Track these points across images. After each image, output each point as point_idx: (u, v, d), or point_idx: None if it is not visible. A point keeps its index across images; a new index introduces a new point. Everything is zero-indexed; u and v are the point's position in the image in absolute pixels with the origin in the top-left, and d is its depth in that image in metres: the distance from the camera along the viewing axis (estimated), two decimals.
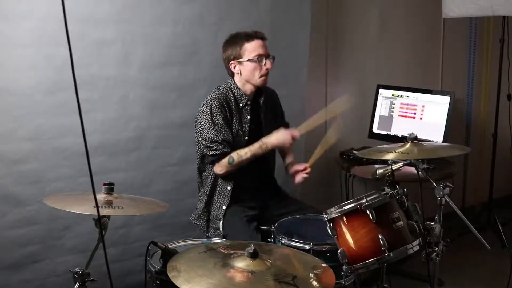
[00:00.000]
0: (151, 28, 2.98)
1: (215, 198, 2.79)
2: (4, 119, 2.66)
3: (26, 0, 2.61)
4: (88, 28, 2.78)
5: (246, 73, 2.73)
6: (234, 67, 2.74)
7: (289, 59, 3.42)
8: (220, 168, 2.71)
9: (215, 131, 2.66)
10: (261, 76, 2.73)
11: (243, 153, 2.68)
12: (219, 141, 2.66)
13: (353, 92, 4.02)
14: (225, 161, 2.68)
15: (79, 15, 2.73)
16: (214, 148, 2.66)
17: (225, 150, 2.67)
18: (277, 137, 2.72)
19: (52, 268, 2.89)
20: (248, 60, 2.70)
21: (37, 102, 2.72)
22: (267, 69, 2.73)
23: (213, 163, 2.72)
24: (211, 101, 2.68)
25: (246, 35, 2.71)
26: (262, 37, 2.73)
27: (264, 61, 2.71)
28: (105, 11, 2.82)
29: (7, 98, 2.65)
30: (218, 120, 2.67)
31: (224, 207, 2.75)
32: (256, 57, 2.70)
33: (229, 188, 2.76)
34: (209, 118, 2.66)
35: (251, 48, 2.70)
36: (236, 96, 2.76)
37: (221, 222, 2.73)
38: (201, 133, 2.70)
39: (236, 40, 2.73)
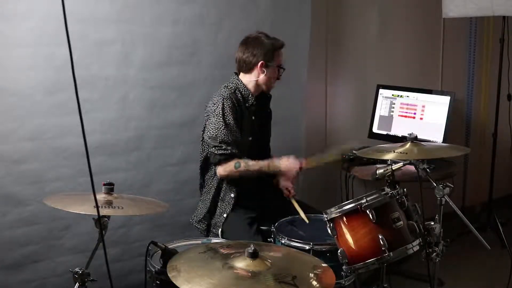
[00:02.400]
0: (151, 28, 2.98)
1: (218, 204, 2.77)
2: (4, 119, 2.66)
3: (26, 0, 2.61)
4: (88, 28, 2.79)
5: (267, 77, 2.75)
6: (261, 67, 2.74)
7: (289, 59, 3.41)
8: (224, 170, 2.67)
9: (226, 131, 2.64)
10: (272, 83, 2.81)
11: (251, 164, 2.66)
12: (229, 141, 2.64)
13: (353, 92, 4.02)
14: (231, 164, 2.65)
15: (79, 15, 2.73)
16: (223, 148, 2.64)
17: (234, 151, 2.65)
18: (287, 164, 2.71)
19: (52, 268, 2.89)
20: (277, 66, 2.77)
21: (37, 102, 2.72)
22: (278, 78, 2.81)
23: (219, 163, 2.68)
24: (223, 100, 2.66)
25: (279, 43, 2.77)
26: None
27: (281, 71, 2.80)
28: (105, 11, 2.82)
29: (7, 98, 2.66)
30: (229, 120, 2.65)
31: (225, 215, 2.73)
32: (280, 65, 2.78)
33: (232, 195, 2.74)
34: (220, 117, 2.64)
35: (280, 57, 2.78)
36: (244, 96, 2.76)
37: (220, 229, 2.72)
38: (210, 132, 2.66)
39: (270, 43, 2.74)
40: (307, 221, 2.65)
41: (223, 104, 2.65)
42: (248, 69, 2.76)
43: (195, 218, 2.84)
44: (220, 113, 2.64)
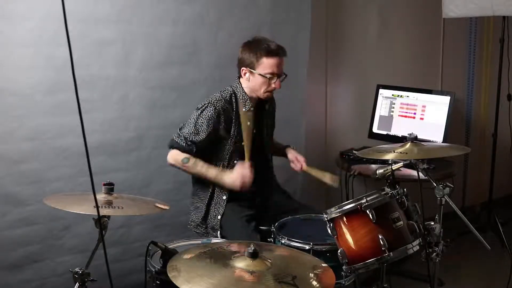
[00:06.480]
0: (151, 28, 2.98)
1: (212, 208, 2.77)
2: (4, 119, 2.66)
3: (26, 0, 2.61)
4: (88, 28, 2.78)
5: (254, 84, 2.72)
6: (245, 73, 2.72)
7: (289, 59, 3.40)
8: (171, 157, 2.70)
9: (193, 129, 2.65)
10: (266, 92, 2.72)
11: (200, 166, 2.66)
12: (189, 139, 2.65)
13: (353, 92, 4.03)
14: (180, 155, 2.66)
15: (79, 15, 2.73)
16: (182, 140, 2.67)
17: (188, 148, 2.66)
18: (230, 178, 2.65)
19: (52, 268, 2.89)
20: (260, 75, 2.67)
21: (37, 102, 2.72)
22: (274, 88, 2.71)
23: (171, 147, 2.71)
24: (208, 104, 2.67)
25: (268, 49, 2.65)
26: (283, 55, 2.69)
27: (274, 79, 2.68)
28: (105, 11, 2.82)
29: (7, 98, 2.65)
30: (202, 122, 2.65)
31: (219, 217, 2.73)
32: (268, 75, 2.67)
33: (224, 197, 2.74)
34: (195, 117, 2.66)
35: (267, 65, 2.66)
36: (240, 101, 2.74)
37: (219, 232, 2.72)
38: (185, 122, 2.70)
39: (256, 49, 2.67)
40: (335, 184, 2.63)
41: (204, 108, 2.66)
42: (239, 74, 2.76)
43: (192, 223, 2.83)
44: (197, 114, 2.67)
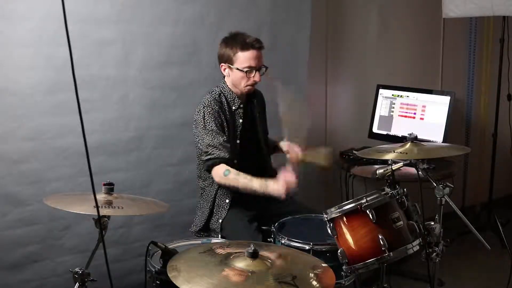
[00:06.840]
0: (151, 28, 2.98)
1: (214, 210, 2.76)
2: (4, 119, 2.66)
3: (26, 0, 2.61)
4: (88, 28, 2.78)
5: (234, 79, 2.71)
6: (224, 69, 2.72)
7: (289, 59, 3.42)
8: (215, 175, 2.64)
9: (210, 136, 2.63)
10: (246, 86, 2.70)
11: (242, 178, 2.58)
12: (215, 145, 2.62)
13: (353, 92, 4.03)
14: (221, 170, 2.61)
15: (79, 15, 2.73)
16: (209, 152, 2.63)
17: (222, 154, 2.62)
18: (276, 188, 2.56)
19: (52, 268, 2.89)
20: (237, 69, 2.66)
21: (37, 102, 2.72)
22: (254, 81, 2.69)
23: (208, 169, 2.66)
24: (203, 108, 2.66)
25: (243, 43, 2.64)
26: (259, 47, 2.66)
27: (253, 73, 2.67)
28: (105, 11, 2.82)
29: (7, 98, 2.66)
30: (211, 126, 2.63)
31: (220, 221, 2.72)
32: (245, 68, 2.65)
33: (227, 201, 2.74)
34: (202, 125, 2.64)
35: (243, 59, 2.64)
36: (229, 100, 2.74)
37: (220, 235, 2.71)
38: (198, 141, 2.68)
39: (232, 43, 2.67)
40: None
41: (203, 112, 2.65)
42: (221, 71, 2.76)
43: (194, 227, 2.81)
44: (202, 121, 2.65)
